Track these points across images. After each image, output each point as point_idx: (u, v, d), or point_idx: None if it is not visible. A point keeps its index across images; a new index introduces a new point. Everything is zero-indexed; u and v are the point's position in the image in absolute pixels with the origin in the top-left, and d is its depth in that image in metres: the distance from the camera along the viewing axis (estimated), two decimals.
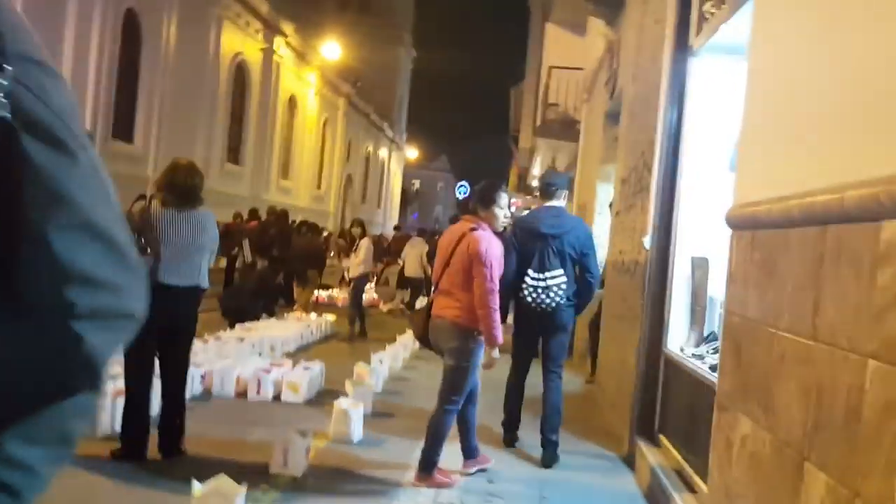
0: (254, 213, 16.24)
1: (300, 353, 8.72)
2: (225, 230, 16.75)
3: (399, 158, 60.49)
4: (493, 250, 4.32)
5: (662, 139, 5.36)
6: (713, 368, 4.19)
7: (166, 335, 4.33)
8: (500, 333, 4.31)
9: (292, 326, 9.39)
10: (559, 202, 5.43)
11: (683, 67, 5.23)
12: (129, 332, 0.76)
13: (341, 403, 5.18)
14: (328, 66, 36.91)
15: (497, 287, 4.30)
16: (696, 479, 4.02)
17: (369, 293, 14.94)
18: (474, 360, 4.39)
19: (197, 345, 7.16)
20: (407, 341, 9.23)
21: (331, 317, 10.88)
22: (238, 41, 27.14)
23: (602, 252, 9.28)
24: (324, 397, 6.34)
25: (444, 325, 4.33)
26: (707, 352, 4.57)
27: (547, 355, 5.26)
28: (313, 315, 10.75)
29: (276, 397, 6.15)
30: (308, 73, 35.39)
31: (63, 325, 0.68)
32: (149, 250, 4.11)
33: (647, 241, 5.43)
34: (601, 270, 9.09)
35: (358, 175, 47.34)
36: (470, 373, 4.39)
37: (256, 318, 9.85)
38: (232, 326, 9.14)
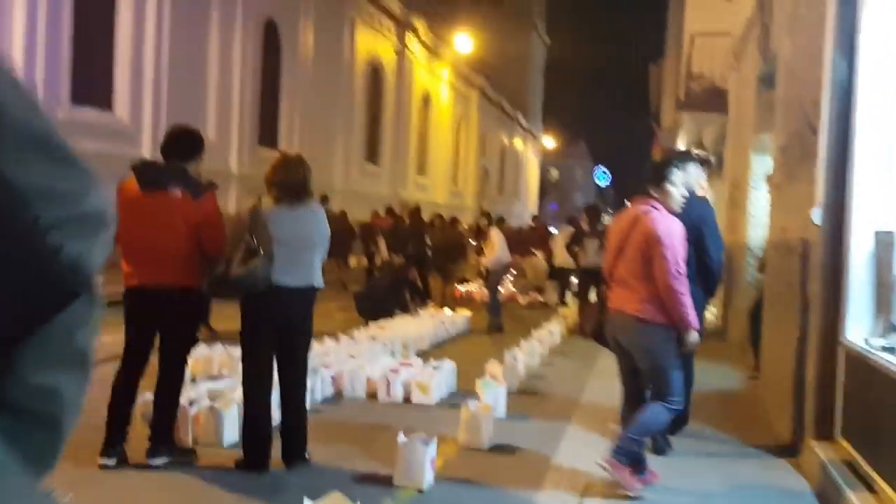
0: (390, 211, 16.33)
1: (434, 350, 8.49)
2: (362, 229, 17.11)
3: (535, 148, 59.69)
4: (674, 230, 3.85)
5: (830, 96, 4.56)
6: None
7: (283, 339, 4.15)
8: (695, 317, 3.84)
9: (426, 323, 9.18)
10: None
11: (852, 9, 4.42)
12: (105, 228, 0.77)
13: (471, 406, 4.82)
14: (460, 59, 36.90)
15: (684, 270, 3.83)
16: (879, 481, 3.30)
17: (506, 285, 14.57)
18: (670, 356, 3.94)
19: (328, 344, 7.11)
20: (544, 336, 8.77)
21: (467, 312, 10.60)
22: (372, 42, 27.62)
23: (760, 231, 8.35)
24: (457, 398, 6.01)
25: (626, 320, 3.94)
26: None
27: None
28: (448, 311, 10.51)
29: (407, 399, 5.90)
30: (440, 67, 35.55)
31: (36, 241, 0.70)
32: (261, 251, 3.94)
33: (816, 216, 4.66)
34: (761, 253, 8.21)
35: (494, 167, 47.11)
36: (673, 369, 3.93)
37: (391, 315, 9.74)
38: (367, 325, 9.08)
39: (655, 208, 3.94)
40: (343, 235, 17.31)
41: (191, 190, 4.07)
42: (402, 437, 3.99)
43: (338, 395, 6.00)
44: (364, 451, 4.63)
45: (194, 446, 4.42)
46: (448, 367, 6.32)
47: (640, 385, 4.11)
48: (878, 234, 4.13)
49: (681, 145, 16.83)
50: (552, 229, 29.89)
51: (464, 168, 40.82)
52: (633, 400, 4.16)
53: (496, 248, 10.31)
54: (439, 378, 6.05)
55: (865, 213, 4.20)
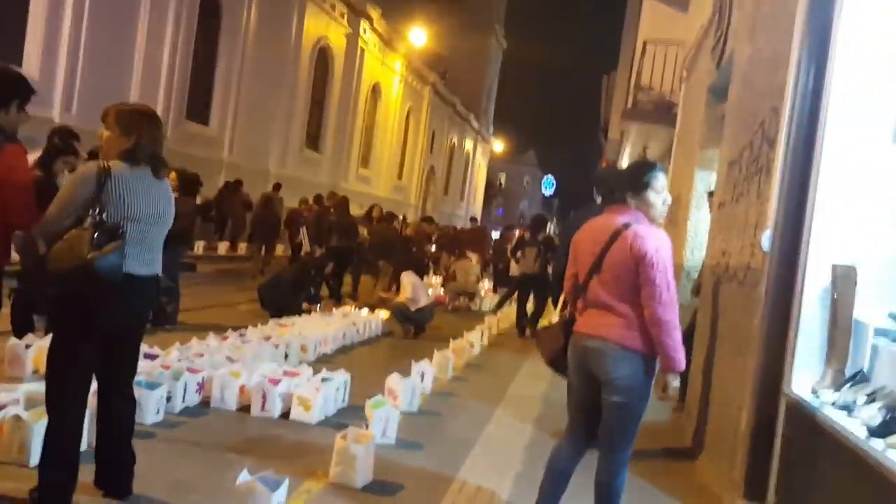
0: (318, 199, 15.42)
1: (339, 355, 7.66)
2: (287, 216, 16.13)
3: (485, 151, 59.24)
4: (664, 250, 3.28)
5: (794, 104, 3.92)
6: (876, 432, 2.80)
7: (115, 345, 3.28)
8: (683, 356, 3.27)
9: (336, 323, 8.33)
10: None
11: (828, 6, 3.80)
12: None
13: (348, 435, 4.01)
14: (414, 53, 36.05)
15: (675, 297, 3.28)
16: None
17: (435, 288, 13.84)
18: (645, 399, 3.35)
19: (208, 343, 6.22)
20: (462, 347, 8.03)
21: (384, 313, 9.78)
22: (322, 24, 26.54)
23: (699, 253, 7.79)
24: (344, 417, 5.20)
25: (605, 348, 3.30)
26: (856, 401, 3.16)
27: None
28: (364, 311, 9.68)
29: (286, 414, 5.05)
30: (393, 59, 34.61)
31: None
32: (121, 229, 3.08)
33: (765, 240, 4.01)
34: (696, 275, 7.66)
35: (441, 167, 46.40)
36: (640, 418, 3.36)
37: (297, 312, 8.86)
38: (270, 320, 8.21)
39: (638, 221, 3.36)
40: (271, 221, 16.41)
41: None
42: (242, 476, 3.16)
43: (203, 405, 5.12)
44: (211, 484, 3.77)
45: None
46: (340, 379, 5.49)
47: (591, 426, 3.46)
48: (836, 267, 3.49)
49: (626, 158, 16.40)
50: (494, 233, 29.25)
51: (410, 164, 39.98)
52: (579, 441, 3.55)
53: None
54: (326, 392, 5.22)
55: (825, 240, 3.56)
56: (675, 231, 8.95)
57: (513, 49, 60.08)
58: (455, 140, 49.34)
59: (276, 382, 5.12)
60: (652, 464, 5.01)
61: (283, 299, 8.91)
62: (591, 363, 3.36)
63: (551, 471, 3.56)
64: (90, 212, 3.04)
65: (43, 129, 6.02)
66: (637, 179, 3.43)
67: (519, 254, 11.44)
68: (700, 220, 7.78)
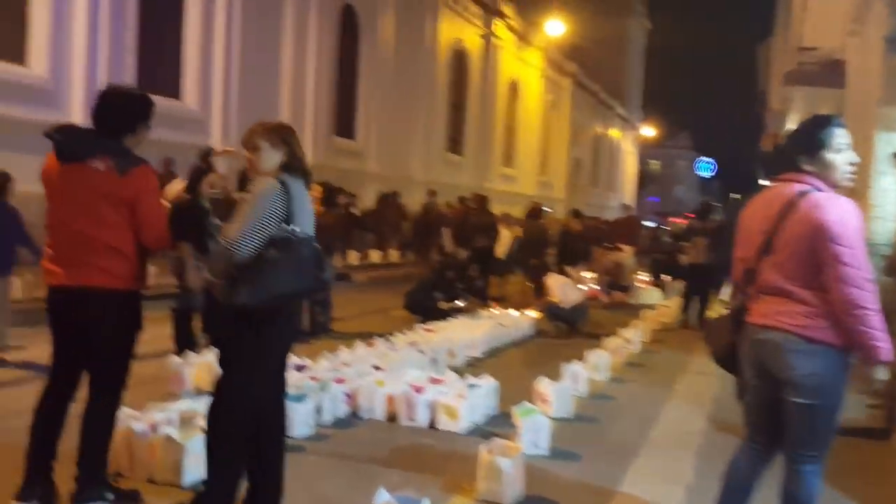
0: (462, 201, 15.37)
1: (489, 358, 7.45)
2: (432, 220, 16.22)
3: (633, 138, 57.19)
4: (852, 220, 2.74)
5: None
6: None
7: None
8: (888, 344, 2.71)
9: (482, 326, 8.12)
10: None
11: None
12: None
13: (494, 448, 3.75)
14: (552, 45, 35.39)
15: (871, 275, 2.73)
16: None
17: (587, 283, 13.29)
18: (839, 397, 2.85)
19: (359, 351, 6.21)
20: (618, 345, 7.55)
21: (534, 313, 9.46)
22: (456, 28, 26.66)
23: (888, 224, 6.84)
24: (495, 424, 4.95)
25: (782, 339, 2.81)
26: None
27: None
28: (513, 312, 9.40)
29: (433, 424, 4.88)
30: (530, 54, 34.18)
31: None
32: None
33: None
34: (889, 252, 6.72)
35: (587, 158, 45.27)
36: (838, 412, 2.86)
37: (442, 316, 8.75)
38: (422, 324, 8.18)
39: (817, 188, 2.83)
40: (430, 228, 16.65)
41: (118, 162, 3.20)
42: (380, 496, 2.98)
43: (353, 416, 5.06)
44: (354, 498, 3.65)
45: (142, 486, 3.58)
46: (487, 385, 5.25)
47: (773, 432, 2.97)
48: None
49: (788, 126, 15.00)
50: (648, 223, 27.97)
51: (554, 158, 39.30)
52: (760, 451, 3.06)
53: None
54: (474, 399, 5.00)
55: None
56: (855, 202, 7.96)
57: (658, 29, 57.68)
58: (600, 129, 48.00)
59: (420, 390, 4.97)
60: (847, 470, 4.35)
61: (424, 302, 8.85)
62: (769, 359, 2.87)
63: (729, 486, 3.10)
64: (282, 227, 3.00)
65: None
66: (811, 139, 2.90)
67: (688, 244, 10.73)
68: (887, 188, 6.83)
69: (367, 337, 7.08)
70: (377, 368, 5.65)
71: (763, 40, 28.63)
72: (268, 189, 3.05)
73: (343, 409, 5.04)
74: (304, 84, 18.11)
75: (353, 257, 15.80)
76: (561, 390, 5.34)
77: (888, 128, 6.84)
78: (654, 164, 71.87)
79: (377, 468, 4.12)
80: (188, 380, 5.38)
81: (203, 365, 5.38)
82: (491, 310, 9.46)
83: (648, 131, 59.65)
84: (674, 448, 4.82)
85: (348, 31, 20.33)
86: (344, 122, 20.54)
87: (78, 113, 12.00)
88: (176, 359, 5.52)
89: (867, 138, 7.35)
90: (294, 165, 3.18)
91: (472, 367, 6.96)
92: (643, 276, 17.76)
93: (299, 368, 5.45)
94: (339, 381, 5.16)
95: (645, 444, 4.90)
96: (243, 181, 3.59)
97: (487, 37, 29.11)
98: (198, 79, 15.03)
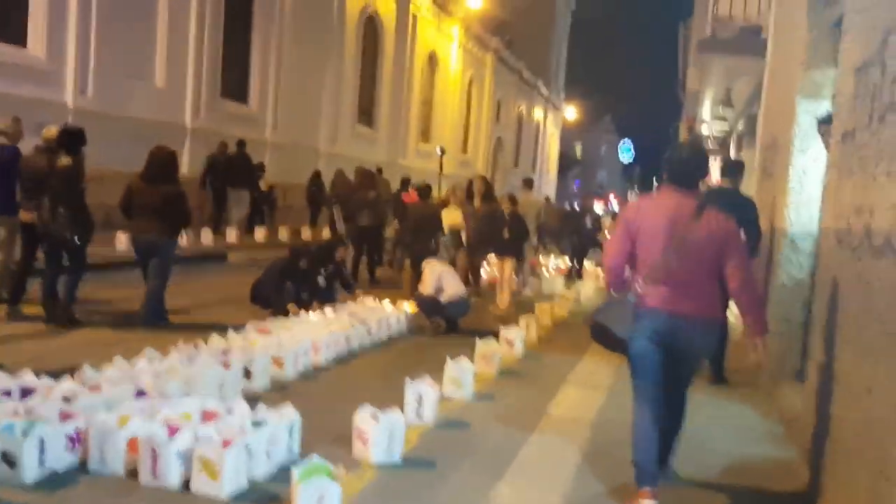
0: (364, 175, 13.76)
1: (336, 366, 6.04)
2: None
3: (556, 119, 56.51)
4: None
5: None
6: None
7: None
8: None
9: (337, 323, 6.68)
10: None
11: None
12: None
13: None
14: (473, 18, 33.94)
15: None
16: None
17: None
18: None
19: (135, 363, 4.68)
20: (492, 350, 6.24)
21: (410, 306, 8.08)
22: None
23: (808, 212, 5.73)
24: (282, 480, 3.52)
25: (695, 322, 3.54)
26: None
27: None
28: (387, 304, 7.97)
29: (188, 484, 3.42)
30: (450, 25, 32.65)
31: None
32: None
33: None
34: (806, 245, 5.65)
35: (509, 138, 44.21)
36: None
37: (281, 309, 7.26)
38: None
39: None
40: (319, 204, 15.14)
41: None
42: None
43: (80, 469, 3.55)
44: None
45: None
46: (280, 422, 3.80)
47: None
48: None
49: (706, 107, 14.06)
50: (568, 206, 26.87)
51: (475, 137, 38.04)
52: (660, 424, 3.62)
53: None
54: (257, 445, 3.56)
55: None
56: (770, 185, 6.86)
57: (583, 8, 56.89)
58: (523, 109, 46.98)
59: (174, 432, 3.49)
60: None
61: (269, 294, 7.35)
62: (678, 337, 3.52)
63: None
64: None
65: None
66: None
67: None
68: (807, 167, 5.70)
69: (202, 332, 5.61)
70: (141, 393, 4.13)
71: (685, 21, 27.96)
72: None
73: (64, 459, 3.52)
74: (185, 37, 16.08)
75: (232, 235, 14.08)
76: (388, 426, 3.94)
77: (812, 95, 5.71)
78: (576, 147, 71.62)
79: None
80: None
81: None
82: (357, 301, 8.00)
83: (571, 113, 59.09)
84: None
85: None
86: (234, 84, 18.59)
87: None
88: None
89: (790, 109, 6.20)
90: None
91: (307, 380, 5.54)
92: (556, 262, 16.73)
93: (24, 393, 3.90)
94: (66, 415, 3.63)
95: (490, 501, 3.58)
96: None
97: (403, 2, 27.40)
98: (47, 23, 12.91)
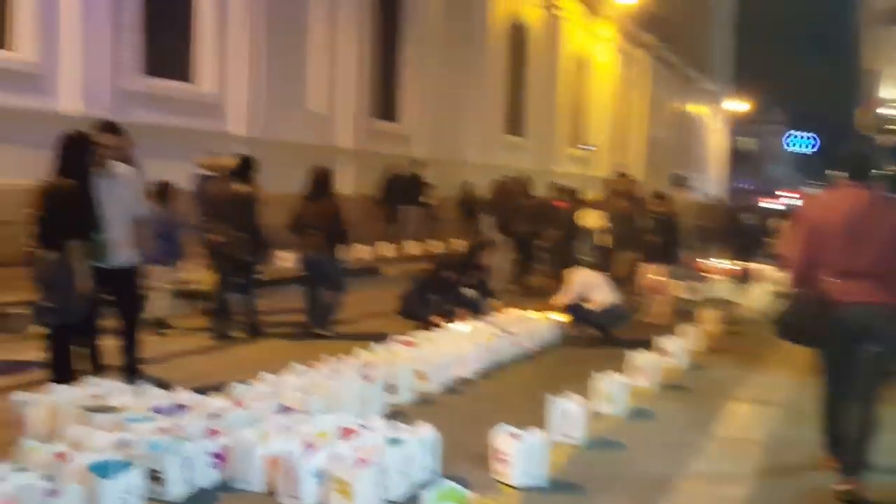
0: (503, 184, 13.69)
1: (483, 380, 5.86)
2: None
3: (722, 114, 53.45)
4: None
5: None
6: None
7: None
8: None
9: (482, 335, 6.49)
10: None
11: None
12: None
13: None
14: (624, 16, 32.89)
15: None
16: None
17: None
18: None
19: (283, 377, 4.74)
20: (650, 361, 5.78)
21: (560, 316, 7.74)
22: (513, 1, 24.76)
23: None
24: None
25: (881, 310, 3.60)
26: None
27: None
28: (535, 314, 7.68)
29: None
30: (600, 26, 31.81)
31: None
32: None
33: None
34: None
35: (669, 137, 42.31)
36: None
37: (424, 321, 7.15)
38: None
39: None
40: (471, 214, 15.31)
41: None
42: None
43: (224, 486, 3.59)
44: None
45: None
46: (417, 440, 3.65)
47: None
48: None
49: (887, 84, 12.56)
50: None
51: (630, 138, 36.76)
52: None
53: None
54: (394, 463, 3.43)
55: None
56: None
57: None
58: (684, 105, 44.84)
59: (311, 449, 3.44)
60: None
61: (416, 307, 7.30)
62: (865, 326, 3.61)
63: None
64: None
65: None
66: None
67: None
68: None
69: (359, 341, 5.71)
70: (283, 409, 4.15)
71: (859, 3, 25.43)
72: None
73: (209, 476, 3.57)
74: (337, 64, 16.75)
75: (387, 249, 14.40)
76: (529, 446, 3.68)
77: None
78: (747, 142, 67.31)
79: None
80: None
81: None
82: (499, 312, 7.76)
83: (739, 106, 55.59)
84: None
85: (387, 7, 18.85)
86: (385, 105, 19.12)
87: (70, 100, 11.07)
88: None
89: None
90: None
91: (451, 394, 5.40)
92: (720, 264, 15.63)
93: (176, 409, 4.04)
94: (212, 432, 3.70)
95: None
96: None
97: (549, 7, 27.04)
98: (214, 60, 13.89)
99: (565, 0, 28.01)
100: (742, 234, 14.06)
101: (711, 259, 15.81)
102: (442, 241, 16.04)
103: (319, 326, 7.15)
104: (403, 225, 16.22)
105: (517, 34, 25.57)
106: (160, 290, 7.35)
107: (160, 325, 7.12)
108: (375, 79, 18.30)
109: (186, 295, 7.80)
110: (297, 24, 15.70)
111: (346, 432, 3.73)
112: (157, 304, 7.16)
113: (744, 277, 13.36)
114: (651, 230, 8.50)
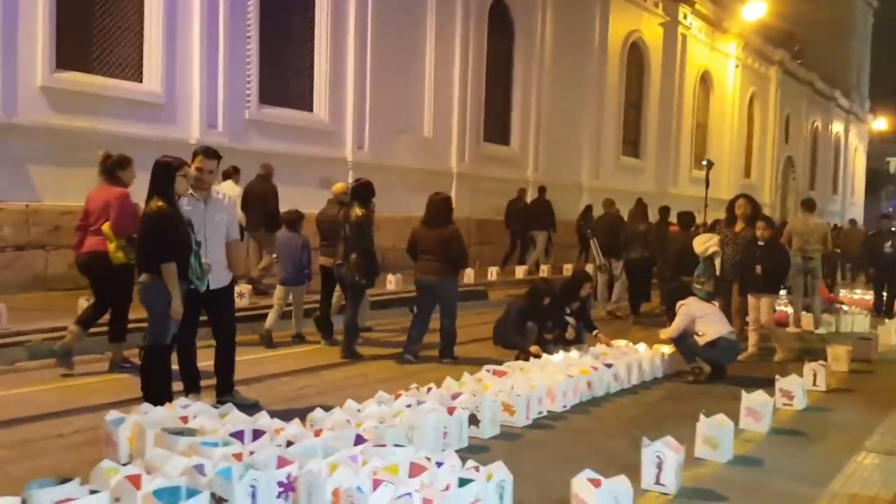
0: (610, 206, 13.16)
1: (575, 414, 5.55)
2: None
3: (861, 133, 49.89)
4: None
5: None
6: None
7: None
8: None
9: (579, 366, 6.17)
10: None
11: None
12: None
13: None
14: (750, 31, 31.41)
15: None
16: None
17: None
18: None
19: (349, 410, 4.65)
20: (761, 402, 5.27)
21: (668, 349, 7.28)
22: (631, 18, 24.16)
23: None
24: None
25: None
26: None
27: None
28: (642, 347, 7.28)
29: None
30: (725, 42, 30.52)
31: None
32: None
33: None
34: None
35: (801, 156, 39.87)
36: None
37: (524, 352, 6.89)
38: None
39: None
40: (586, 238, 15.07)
41: None
42: None
43: None
44: None
45: None
46: (487, 480, 3.43)
47: None
48: None
49: None
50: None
51: (759, 158, 34.89)
52: None
53: None
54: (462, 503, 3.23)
55: None
56: None
57: (886, 7, 49.83)
58: (818, 123, 42.15)
59: (377, 485, 3.29)
60: None
61: (510, 335, 7.05)
62: None
63: None
64: None
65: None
66: None
67: None
68: None
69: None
70: (359, 440, 4.04)
71: None
72: None
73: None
74: (449, 88, 16.87)
75: (492, 272, 14.22)
76: (611, 494, 3.37)
77: None
78: (890, 162, 62.35)
79: None
80: None
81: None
82: (601, 342, 7.39)
83: (880, 124, 51.66)
84: None
85: (499, 30, 18.86)
86: (496, 128, 19.06)
87: (196, 127, 11.71)
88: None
89: None
90: None
91: (539, 429, 5.13)
92: (854, 295, 14.41)
93: (252, 434, 4.02)
94: (283, 462, 3.63)
95: None
96: None
97: (670, 25, 26.20)
98: (328, 89, 14.31)
99: (687, 17, 27.10)
100: (882, 262, 12.85)
101: (846, 290, 14.62)
102: (554, 267, 15.70)
103: (447, 357, 7.14)
104: (527, 250, 16.49)
105: (635, 52, 24.92)
106: (278, 308, 7.78)
107: (269, 342, 7.41)
108: (487, 102, 18.33)
109: (308, 314, 8.12)
110: (409, 50, 15.97)
111: (416, 469, 3.56)
112: (274, 321, 7.65)
113: (885, 310, 12.22)
114: (756, 258, 7.85)
